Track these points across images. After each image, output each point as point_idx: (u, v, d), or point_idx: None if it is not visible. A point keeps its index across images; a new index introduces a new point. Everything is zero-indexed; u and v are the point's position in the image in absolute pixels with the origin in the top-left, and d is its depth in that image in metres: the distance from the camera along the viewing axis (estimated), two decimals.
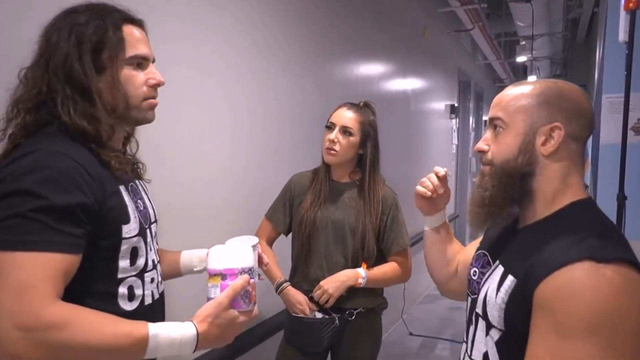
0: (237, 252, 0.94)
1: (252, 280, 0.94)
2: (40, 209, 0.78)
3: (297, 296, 1.62)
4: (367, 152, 1.65)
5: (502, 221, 0.94)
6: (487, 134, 0.89)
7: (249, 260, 0.95)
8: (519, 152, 0.83)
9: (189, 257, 1.20)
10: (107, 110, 0.90)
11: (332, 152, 1.61)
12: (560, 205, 0.83)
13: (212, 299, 0.90)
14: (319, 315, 1.62)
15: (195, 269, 1.20)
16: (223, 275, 0.91)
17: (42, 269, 0.77)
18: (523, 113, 0.84)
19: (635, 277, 0.71)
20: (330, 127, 1.64)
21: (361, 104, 1.69)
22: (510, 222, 0.94)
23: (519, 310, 0.77)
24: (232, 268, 0.91)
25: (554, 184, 0.83)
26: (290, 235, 1.75)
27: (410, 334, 3.53)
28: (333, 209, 1.65)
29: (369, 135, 1.64)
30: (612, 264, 0.70)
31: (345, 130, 1.61)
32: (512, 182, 0.84)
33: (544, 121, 0.82)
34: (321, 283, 1.60)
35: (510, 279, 0.81)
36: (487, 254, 0.92)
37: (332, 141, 1.60)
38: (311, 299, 1.62)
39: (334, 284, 1.58)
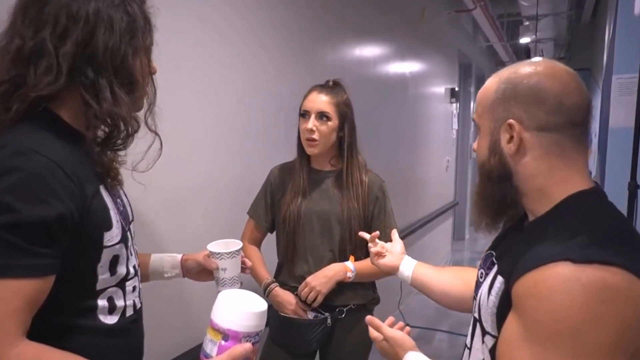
0: (248, 313, 0.83)
1: (255, 345, 0.83)
2: (8, 226, 0.66)
3: (287, 296, 1.53)
4: (345, 135, 1.53)
5: (511, 219, 0.86)
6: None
7: (258, 325, 0.84)
8: (489, 153, 0.79)
9: (160, 261, 1.10)
10: (138, 103, 0.82)
11: (313, 142, 1.50)
12: (557, 199, 0.74)
13: (207, 356, 0.81)
14: (310, 315, 1.53)
15: (166, 275, 1.10)
16: (225, 335, 0.80)
17: (6, 302, 0.66)
18: (487, 112, 0.79)
19: (619, 283, 0.62)
20: (304, 115, 1.52)
21: (330, 82, 1.57)
22: (519, 217, 0.85)
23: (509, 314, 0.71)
24: (237, 331, 0.80)
25: (538, 181, 0.75)
26: (275, 232, 1.65)
27: (407, 325, 3.45)
28: (317, 200, 1.55)
29: (346, 115, 1.54)
30: (593, 266, 0.62)
31: (322, 116, 1.50)
32: (492, 185, 0.79)
33: (503, 118, 0.76)
34: (307, 280, 1.51)
35: (499, 280, 0.75)
36: (494, 253, 0.85)
37: (311, 130, 1.49)
38: (297, 296, 1.52)
39: (321, 279, 1.49)
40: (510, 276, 0.71)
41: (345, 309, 1.55)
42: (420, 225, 3.97)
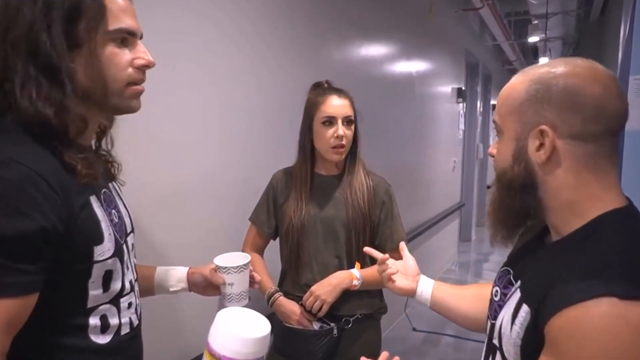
0: (247, 339, 0.78)
1: None
2: None
3: (291, 306, 1.48)
4: (356, 137, 1.51)
5: (528, 232, 0.79)
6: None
7: (258, 351, 0.78)
8: (513, 160, 0.71)
9: (165, 274, 1.05)
10: (80, 97, 0.72)
11: (342, 148, 1.45)
12: (586, 218, 0.67)
13: None
14: (315, 326, 1.48)
15: (171, 289, 1.06)
16: None
17: None
18: (513, 113, 0.71)
19: None
20: (329, 121, 1.45)
21: (325, 85, 1.53)
22: (538, 231, 0.78)
23: (536, 348, 0.64)
24: (234, 359, 0.76)
25: (566, 194, 0.68)
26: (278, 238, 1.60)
27: (414, 329, 3.41)
28: (321, 205, 1.50)
29: (357, 117, 1.51)
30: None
31: (348, 120, 1.47)
32: (512, 195, 0.72)
33: (533, 122, 0.68)
34: (312, 289, 1.45)
35: (525, 309, 0.68)
36: (511, 271, 0.77)
37: (341, 137, 1.44)
38: (302, 306, 1.47)
39: (326, 288, 1.44)
40: (540, 308, 0.64)
41: (351, 319, 1.50)
42: (427, 227, 3.91)
